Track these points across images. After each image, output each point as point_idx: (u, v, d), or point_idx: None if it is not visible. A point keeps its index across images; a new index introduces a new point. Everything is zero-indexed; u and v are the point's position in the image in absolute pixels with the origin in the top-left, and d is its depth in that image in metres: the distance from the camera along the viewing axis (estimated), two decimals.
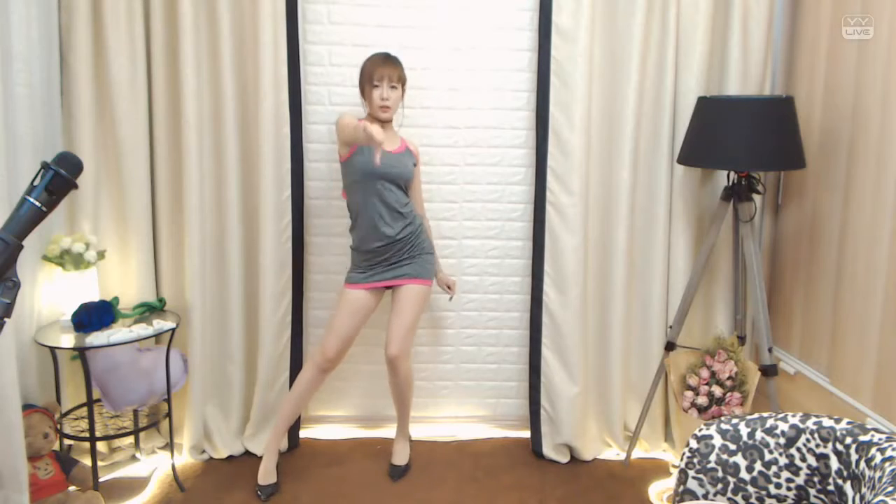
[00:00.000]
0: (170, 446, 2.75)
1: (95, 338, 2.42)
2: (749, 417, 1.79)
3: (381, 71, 2.54)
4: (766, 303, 2.63)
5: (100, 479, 2.58)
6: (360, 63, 2.89)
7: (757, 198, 2.70)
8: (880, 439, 1.54)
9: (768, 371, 2.53)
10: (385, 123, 2.63)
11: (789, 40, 2.82)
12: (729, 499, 1.75)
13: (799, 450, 1.70)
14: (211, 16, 2.69)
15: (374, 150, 2.39)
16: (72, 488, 2.43)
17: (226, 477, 2.75)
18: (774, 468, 1.72)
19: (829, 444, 1.64)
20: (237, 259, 2.84)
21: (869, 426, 1.61)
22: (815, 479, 1.67)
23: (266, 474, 2.65)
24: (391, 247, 2.59)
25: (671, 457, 2.95)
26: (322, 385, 2.71)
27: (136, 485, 2.68)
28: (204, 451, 2.89)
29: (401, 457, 2.83)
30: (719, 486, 1.75)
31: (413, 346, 2.73)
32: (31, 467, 2.32)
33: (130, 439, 2.86)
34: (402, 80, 2.61)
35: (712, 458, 1.76)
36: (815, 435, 1.67)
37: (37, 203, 1.19)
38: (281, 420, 2.70)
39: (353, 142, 2.47)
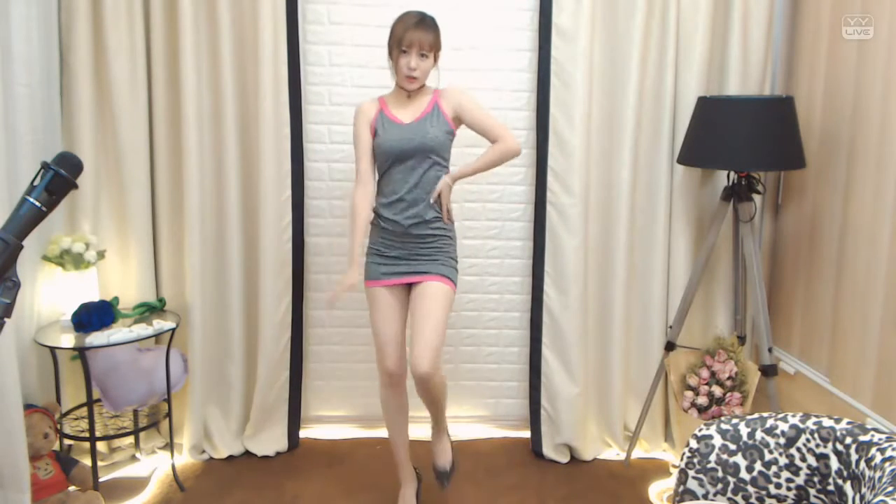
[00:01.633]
0: (170, 446, 2.75)
1: (95, 338, 2.42)
2: (749, 417, 1.78)
3: (411, 36, 2.21)
4: (766, 303, 2.63)
5: (100, 479, 2.58)
6: (360, 63, 2.91)
7: (757, 198, 2.70)
8: (880, 439, 1.54)
9: (768, 371, 2.53)
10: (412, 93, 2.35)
11: (789, 40, 2.82)
12: (729, 499, 1.75)
13: (799, 450, 1.70)
14: (211, 15, 2.69)
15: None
16: (72, 488, 2.43)
17: (226, 477, 2.75)
18: (774, 468, 1.72)
19: (829, 444, 1.64)
20: (237, 259, 2.84)
21: (869, 426, 1.61)
22: (815, 479, 1.67)
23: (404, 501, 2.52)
24: (417, 237, 2.32)
25: (671, 457, 2.95)
26: (404, 399, 2.45)
27: (136, 485, 2.68)
28: (204, 451, 2.89)
29: (443, 458, 2.54)
30: (719, 486, 1.75)
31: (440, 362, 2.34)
32: (31, 467, 2.32)
33: (130, 439, 2.86)
34: (436, 48, 2.28)
35: (712, 458, 1.76)
36: (815, 435, 1.67)
37: (37, 203, 1.19)
38: (395, 453, 2.51)
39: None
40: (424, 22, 2.26)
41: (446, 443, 2.57)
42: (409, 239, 2.33)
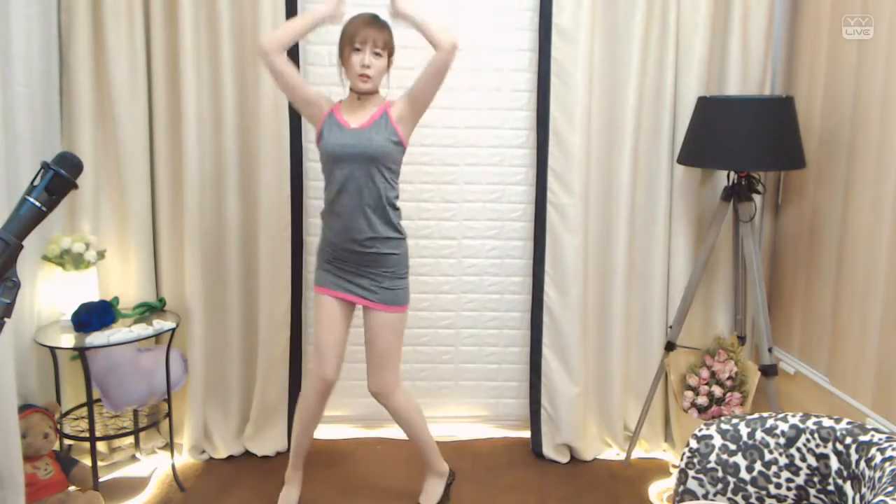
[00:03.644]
0: (170, 446, 2.75)
1: (95, 338, 2.42)
2: (749, 417, 1.79)
3: (364, 32, 2.17)
4: (766, 303, 2.63)
5: (100, 479, 2.58)
6: None
7: (757, 198, 2.70)
8: (880, 439, 1.54)
9: (768, 371, 2.53)
10: (364, 96, 2.28)
11: (789, 40, 2.82)
12: (729, 499, 1.75)
13: (799, 450, 1.70)
14: (211, 16, 2.69)
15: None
16: (72, 488, 2.43)
17: (226, 477, 2.75)
18: (774, 468, 1.72)
19: (829, 444, 1.64)
20: (237, 259, 2.84)
21: (869, 426, 1.61)
22: (815, 479, 1.67)
23: None
24: (358, 254, 2.28)
25: (671, 457, 2.95)
26: (323, 408, 2.46)
27: (136, 485, 2.68)
28: (204, 451, 2.89)
29: (430, 496, 2.55)
30: (719, 486, 1.75)
31: (399, 376, 2.41)
32: (31, 467, 2.32)
33: (130, 439, 2.86)
34: (390, 49, 2.24)
35: (712, 458, 1.76)
36: (815, 435, 1.67)
37: (37, 203, 1.19)
38: (294, 453, 2.51)
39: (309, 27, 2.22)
40: (378, 20, 2.23)
41: (435, 485, 2.55)
42: (350, 255, 2.30)
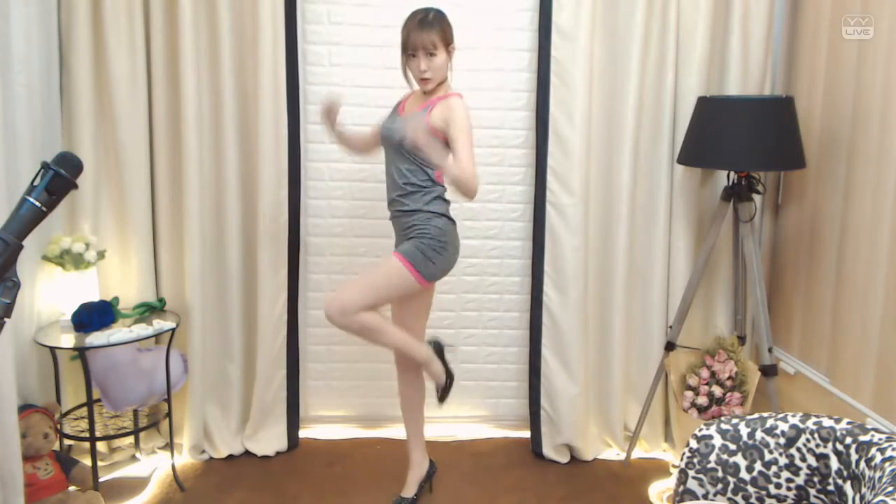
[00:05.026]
0: (170, 446, 2.75)
1: (95, 338, 2.42)
2: (749, 417, 1.79)
3: (415, 39, 2.21)
4: (766, 303, 2.63)
5: (100, 479, 2.58)
6: (360, 63, 2.91)
7: (757, 198, 2.70)
8: (880, 439, 1.54)
9: (768, 371, 2.53)
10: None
11: (789, 40, 2.82)
12: (729, 499, 1.75)
13: (799, 450, 1.70)
14: (211, 16, 2.69)
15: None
16: (72, 488, 2.43)
17: (226, 477, 2.75)
18: (774, 468, 1.72)
19: (829, 444, 1.64)
20: (236, 259, 2.84)
21: (869, 426, 1.61)
22: (815, 479, 1.67)
23: (406, 487, 2.57)
24: (392, 214, 2.38)
25: (671, 457, 2.95)
26: (408, 388, 2.52)
27: (136, 485, 2.68)
28: (204, 451, 2.89)
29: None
30: (719, 486, 1.75)
31: (359, 308, 2.19)
32: (31, 467, 2.32)
33: (130, 439, 2.86)
34: (445, 43, 2.25)
35: (712, 458, 1.76)
36: (815, 435, 1.67)
37: (37, 203, 1.19)
38: (409, 438, 2.59)
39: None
40: (426, 21, 2.22)
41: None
42: (392, 221, 2.41)
